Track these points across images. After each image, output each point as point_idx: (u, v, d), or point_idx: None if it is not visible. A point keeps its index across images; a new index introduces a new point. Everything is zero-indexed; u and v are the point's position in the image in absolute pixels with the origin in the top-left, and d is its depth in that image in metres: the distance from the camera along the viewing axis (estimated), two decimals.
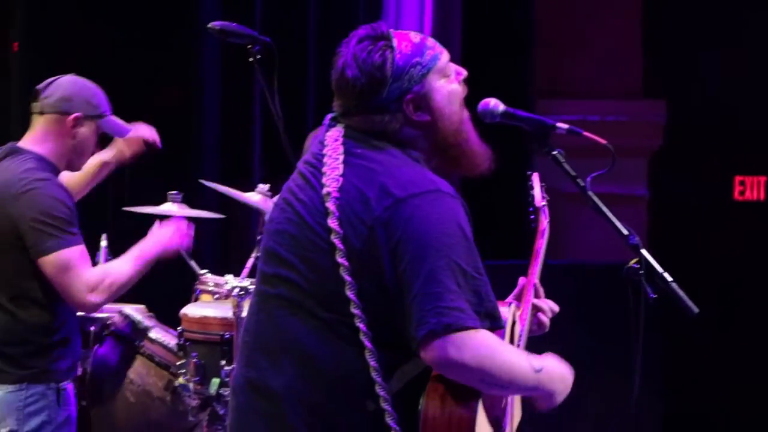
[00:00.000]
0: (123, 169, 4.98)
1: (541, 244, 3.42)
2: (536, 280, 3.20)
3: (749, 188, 7.30)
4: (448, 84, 2.88)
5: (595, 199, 3.16)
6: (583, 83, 7.33)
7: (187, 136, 7.11)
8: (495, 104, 3.09)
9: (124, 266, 4.23)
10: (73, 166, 4.34)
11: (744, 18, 7.10)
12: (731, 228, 7.23)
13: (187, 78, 7.15)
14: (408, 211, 2.70)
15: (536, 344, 3.20)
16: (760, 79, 7.10)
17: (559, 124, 3.16)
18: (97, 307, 4.19)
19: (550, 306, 3.19)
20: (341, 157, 2.81)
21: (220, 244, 6.41)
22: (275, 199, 4.62)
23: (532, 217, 3.54)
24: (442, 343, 2.62)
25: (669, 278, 3.14)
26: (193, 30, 6.75)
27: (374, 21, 6.64)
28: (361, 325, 2.68)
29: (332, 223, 2.73)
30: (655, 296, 3.10)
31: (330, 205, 2.75)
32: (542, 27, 7.20)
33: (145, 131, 4.68)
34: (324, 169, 2.80)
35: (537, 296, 3.18)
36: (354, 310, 2.69)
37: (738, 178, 7.31)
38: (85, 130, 4.26)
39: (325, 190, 2.77)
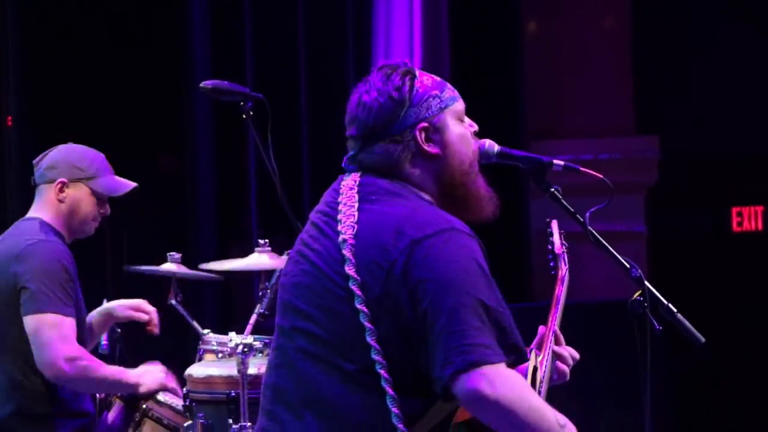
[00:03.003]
0: (122, 230, 5.00)
1: (561, 290, 3.42)
2: (556, 327, 3.19)
3: (747, 219, 7.30)
4: (462, 127, 2.89)
5: (595, 234, 3.16)
6: (574, 122, 7.35)
7: (183, 197, 7.13)
8: (490, 145, 3.09)
9: (106, 367, 4.26)
10: (78, 232, 4.36)
11: (732, 48, 7.13)
12: (731, 259, 7.23)
13: (181, 140, 7.17)
14: (424, 251, 2.68)
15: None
16: (751, 109, 7.13)
17: (556, 161, 3.16)
18: (64, 378, 4.12)
19: (570, 353, 3.16)
20: (356, 205, 2.80)
21: (222, 303, 6.40)
22: (275, 254, 4.70)
23: (552, 264, 3.54)
24: (471, 378, 2.59)
25: (674, 309, 3.14)
26: (186, 91, 6.78)
27: (363, 75, 6.70)
28: (382, 372, 2.66)
29: (349, 269, 2.71)
30: (661, 328, 3.09)
31: (347, 252, 2.73)
32: (531, 68, 7.23)
33: (144, 315, 4.60)
34: (339, 217, 2.79)
35: (557, 343, 3.16)
36: (375, 357, 2.67)
37: (735, 209, 7.31)
38: (74, 193, 4.29)
39: (341, 238, 2.76)
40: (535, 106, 7.22)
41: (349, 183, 2.85)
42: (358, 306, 2.69)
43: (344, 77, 6.65)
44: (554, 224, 3.63)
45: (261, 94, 4.27)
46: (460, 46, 6.87)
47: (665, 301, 3.14)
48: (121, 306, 4.60)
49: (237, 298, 6.19)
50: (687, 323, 3.15)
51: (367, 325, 2.68)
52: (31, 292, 4.06)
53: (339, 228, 2.78)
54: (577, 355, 3.16)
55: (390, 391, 2.66)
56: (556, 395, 3.33)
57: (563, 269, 3.50)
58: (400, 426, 2.65)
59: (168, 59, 7.07)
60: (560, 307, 3.33)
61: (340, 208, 2.81)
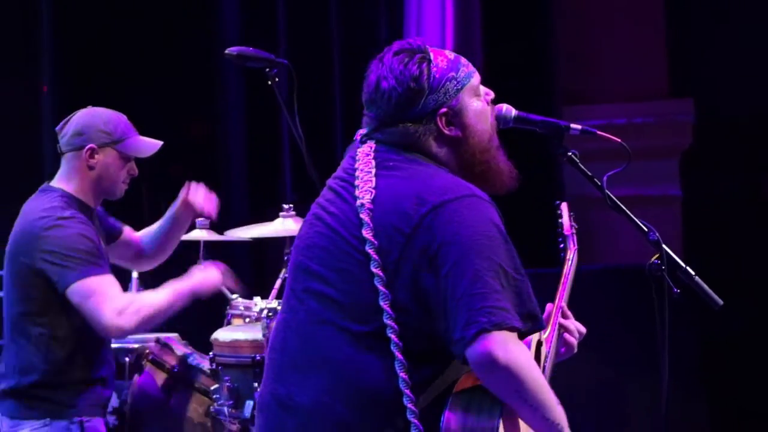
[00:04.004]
0: (159, 197, 5.02)
1: (570, 270, 3.47)
2: (563, 304, 3.22)
3: None
4: (479, 102, 2.92)
5: (613, 197, 3.17)
6: (607, 87, 7.31)
7: (215, 164, 7.18)
8: (507, 110, 3.10)
9: (155, 296, 4.24)
10: (108, 195, 4.36)
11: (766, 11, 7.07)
12: (765, 223, 7.19)
13: (213, 108, 7.22)
14: (446, 216, 2.71)
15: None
16: None
17: (573, 125, 3.18)
18: (124, 331, 4.14)
19: (577, 327, 3.19)
20: (374, 170, 2.83)
21: (252, 267, 6.44)
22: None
23: (561, 245, 3.59)
24: (491, 341, 2.60)
25: (691, 272, 3.14)
26: (216, 57, 6.80)
27: (396, 33, 6.66)
28: (392, 336, 2.68)
29: (367, 233, 2.74)
30: (678, 291, 3.10)
31: (364, 216, 2.76)
32: (563, 34, 7.20)
33: (199, 199, 4.62)
34: (357, 183, 2.82)
35: (565, 318, 3.19)
36: (387, 321, 2.69)
37: None
38: (104, 159, 4.28)
39: (359, 202, 2.79)
40: (567, 71, 7.19)
41: (365, 150, 2.88)
42: (374, 269, 2.71)
43: (376, 42, 6.67)
44: (564, 206, 3.70)
45: (292, 59, 4.29)
46: (492, 13, 6.85)
47: (683, 264, 3.14)
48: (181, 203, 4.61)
49: (267, 263, 6.22)
50: (705, 286, 3.15)
51: (382, 289, 2.70)
52: (59, 271, 4.08)
53: (357, 193, 2.81)
54: (583, 330, 3.19)
55: (399, 356, 2.68)
56: (585, 357, 3.36)
57: (572, 249, 3.57)
58: (407, 391, 2.67)
59: (199, 26, 7.11)
60: (568, 284, 3.37)
61: (357, 174, 2.84)
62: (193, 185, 4.60)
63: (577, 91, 7.28)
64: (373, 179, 2.81)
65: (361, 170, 2.84)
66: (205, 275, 4.38)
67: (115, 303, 4.07)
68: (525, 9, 7.04)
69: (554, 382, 2.85)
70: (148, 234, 4.67)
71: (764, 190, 7.24)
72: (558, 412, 2.72)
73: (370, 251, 2.73)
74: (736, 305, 6.65)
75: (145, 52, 7.10)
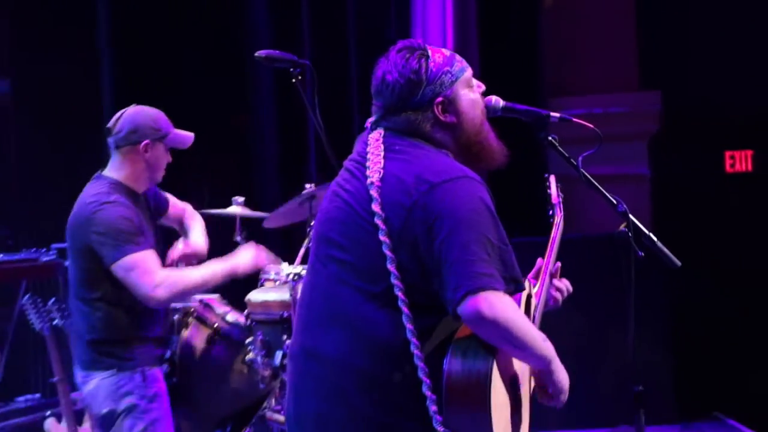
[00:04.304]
0: (202, 180, 5.07)
1: (557, 233, 3.50)
2: (552, 262, 3.24)
3: (738, 161, 7.26)
4: (471, 93, 2.94)
5: (587, 175, 3.19)
6: (587, 81, 7.31)
7: (250, 150, 7.20)
8: (496, 100, 3.13)
9: (193, 272, 4.30)
10: (153, 181, 4.43)
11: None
12: (724, 197, 7.20)
13: (247, 102, 7.24)
14: (441, 193, 2.74)
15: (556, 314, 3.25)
16: (740, 62, 7.08)
17: (553, 114, 3.21)
18: (159, 302, 4.19)
19: (566, 285, 3.22)
20: (382, 153, 2.86)
21: (281, 238, 6.47)
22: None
23: (550, 213, 3.62)
24: (477, 301, 2.64)
25: (654, 238, 3.17)
26: (249, 58, 6.83)
27: (404, 35, 6.65)
28: (399, 294, 2.72)
29: (375, 207, 2.78)
30: (642, 254, 3.13)
31: (373, 192, 2.79)
32: (548, 35, 7.20)
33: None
34: (368, 164, 2.86)
35: (555, 276, 3.22)
36: (393, 281, 2.72)
37: (728, 153, 7.27)
38: (155, 151, 4.35)
39: (369, 180, 2.82)
40: (552, 68, 7.20)
41: (375, 135, 2.92)
42: (381, 237, 2.75)
43: (388, 38, 6.70)
44: (552, 178, 3.74)
45: (314, 57, 4.30)
46: (486, 16, 6.85)
47: (647, 231, 3.17)
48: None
49: (293, 233, 6.25)
50: (665, 250, 3.18)
51: (388, 253, 2.74)
52: (105, 249, 4.13)
53: (367, 173, 2.84)
54: (571, 288, 3.21)
55: (405, 309, 2.71)
56: (567, 312, 3.38)
57: (558, 215, 3.60)
58: (413, 339, 2.71)
59: (234, 32, 7.15)
60: (556, 245, 3.39)
61: (368, 156, 2.88)
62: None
63: (560, 84, 7.28)
64: (382, 161, 2.84)
65: (372, 153, 2.88)
66: (244, 258, 4.44)
67: (153, 277, 4.13)
68: (515, 12, 7.03)
69: (542, 330, 2.88)
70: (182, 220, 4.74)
71: (724, 167, 7.25)
72: (545, 347, 2.78)
73: (378, 222, 2.77)
74: (700, 267, 6.71)
75: (189, 54, 7.14)
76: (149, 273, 4.13)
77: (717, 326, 7.01)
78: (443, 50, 2.96)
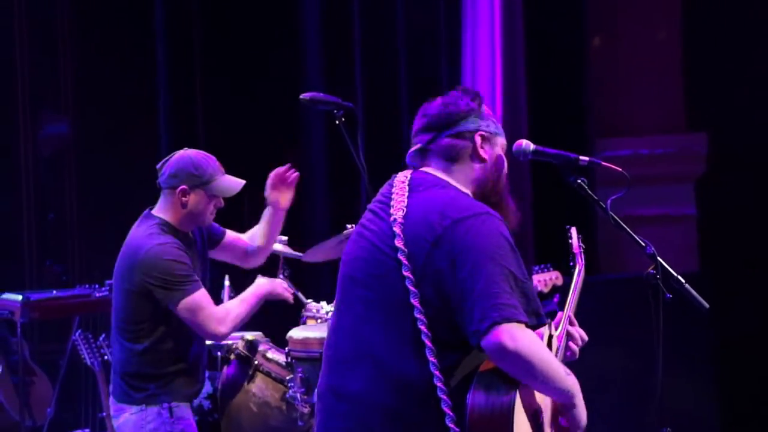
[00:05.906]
0: (255, 216, 5.09)
1: (578, 282, 3.51)
2: (571, 313, 3.23)
3: None
4: (503, 155, 3.02)
5: (616, 217, 3.18)
6: (634, 122, 7.27)
7: (300, 188, 7.24)
8: (527, 144, 3.18)
9: (241, 304, 4.37)
10: (198, 224, 4.43)
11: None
12: None
13: (300, 140, 7.30)
14: (465, 228, 2.78)
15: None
16: None
17: (582, 157, 3.21)
18: (225, 336, 4.30)
19: (580, 334, 3.20)
20: (406, 193, 2.90)
21: (329, 277, 6.48)
22: None
23: (571, 263, 3.64)
24: (500, 332, 2.66)
25: (682, 280, 3.14)
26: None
27: (455, 79, 6.62)
28: (422, 327, 2.74)
29: (398, 242, 2.81)
30: (671, 296, 3.10)
31: (396, 229, 2.83)
32: (596, 78, 7.17)
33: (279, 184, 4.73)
34: (392, 203, 2.90)
35: (571, 325, 3.20)
36: (417, 315, 2.75)
37: None
38: (194, 197, 4.33)
39: (392, 218, 2.86)
40: (600, 110, 7.16)
41: (401, 177, 2.97)
42: (404, 273, 2.78)
43: (438, 83, 6.72)
44: (573, 230, 3.77)
45: (367, 99, 4.31)
46: (535, 62, 6.84)
47: (675, 273, 3.14)
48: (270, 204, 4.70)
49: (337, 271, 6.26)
50: (693, 291, 3.15)
51: (411, 288, 2.76)
52: (163, 292, 4.18)
53: (391, 211, 2.88)
54: (586, 337, 3.20)
55: (428, 343, 2.73)
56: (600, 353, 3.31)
57: (580, 264, 3.61)
58: (437, 373, 2.72)
59: (286, 73, 7.22)
60: (576, 295, 3.39)
61: (393, 196, 2.92)
62: (275, 171, 4.67)
63: (607, 125, 7.24)
64: (406, 200, 2.89)
65: (396, 193, 2.93)
66: (262, 281, 4.50)
67: (215, 315, 4.22)
68: (565, 60, 7.01)
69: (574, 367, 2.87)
70: (250, 234, 4.73)
71: None
72: (568, 382, 2.79)
73: (401, 257, 2.80)
74: (748, 307, 6.59)
75: (246, 97, 7.22)
76: (212, 312, 4.21)
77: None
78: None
